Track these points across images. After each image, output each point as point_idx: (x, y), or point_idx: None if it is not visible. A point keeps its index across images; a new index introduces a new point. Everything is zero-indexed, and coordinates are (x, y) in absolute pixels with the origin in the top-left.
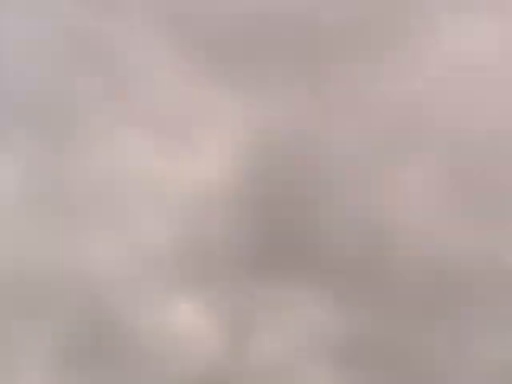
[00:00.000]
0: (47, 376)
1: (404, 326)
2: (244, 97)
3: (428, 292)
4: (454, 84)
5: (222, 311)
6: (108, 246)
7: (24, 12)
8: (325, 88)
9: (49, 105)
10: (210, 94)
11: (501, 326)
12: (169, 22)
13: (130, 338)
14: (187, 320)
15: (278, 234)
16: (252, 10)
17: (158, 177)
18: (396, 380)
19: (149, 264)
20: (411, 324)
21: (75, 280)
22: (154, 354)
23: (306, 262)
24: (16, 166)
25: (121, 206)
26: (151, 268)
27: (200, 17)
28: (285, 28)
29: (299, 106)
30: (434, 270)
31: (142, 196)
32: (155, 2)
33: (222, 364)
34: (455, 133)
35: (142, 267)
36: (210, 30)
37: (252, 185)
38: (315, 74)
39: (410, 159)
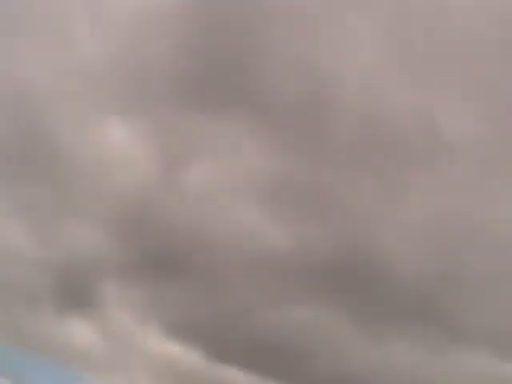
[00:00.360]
0: None
1: (335, 168)
2: None
3: (358, 139)
4: None
5: (157, 137)
6: (44, 66)
7: None
8: None
9: None
10: None
11: (424, 175)
12: None
13: (65, 160)
14: (122, 144)
15: (218, 67)
16: None
17: None
18: (321, 217)
19: (85, 86)
20: (341, 166)
21: (11, 97)
22: (88, 176)
23: (244, 97)
24: None
25: (58, 26)
26: (87, 90)
27: None
28: None
29: None
30: (367, 120)
31: (79, 16)
32: None
33: (155, 187)
34: None
35: (78, 89)
36: None
37: (194, 13)
38: None
39: (349, 18)
